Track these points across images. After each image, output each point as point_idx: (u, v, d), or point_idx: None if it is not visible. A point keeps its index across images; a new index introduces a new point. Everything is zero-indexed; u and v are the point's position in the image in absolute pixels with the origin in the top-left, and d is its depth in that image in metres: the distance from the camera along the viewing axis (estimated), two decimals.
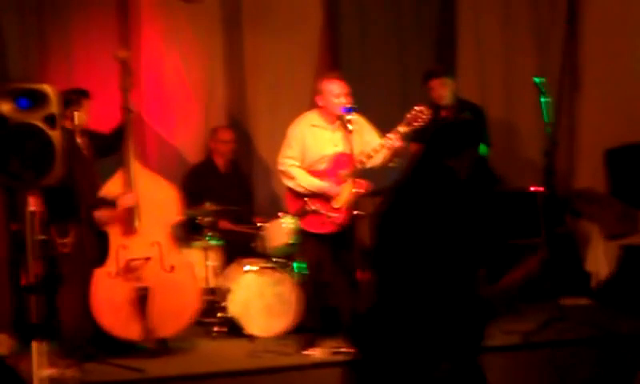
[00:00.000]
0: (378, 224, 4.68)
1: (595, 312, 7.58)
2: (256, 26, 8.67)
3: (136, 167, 6.84)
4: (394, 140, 6.66)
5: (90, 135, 7.01)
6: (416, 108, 6.69)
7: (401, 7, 9.03)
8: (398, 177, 4.99)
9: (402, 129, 6.68)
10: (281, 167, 6.91)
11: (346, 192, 6.72)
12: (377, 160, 6.79)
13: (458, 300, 4.50)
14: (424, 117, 6.66)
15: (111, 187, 6.83)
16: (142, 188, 6.79)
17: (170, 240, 6.91)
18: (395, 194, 4.71)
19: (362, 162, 6.67)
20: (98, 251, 6.76)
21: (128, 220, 6.75)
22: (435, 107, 7.15)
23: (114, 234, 6.76)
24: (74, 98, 6.87)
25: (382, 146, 6.71)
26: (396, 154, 6.77)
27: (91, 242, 6.72)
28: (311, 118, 6.96)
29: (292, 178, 6.83)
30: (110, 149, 7.06)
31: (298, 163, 6.86)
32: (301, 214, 6.83)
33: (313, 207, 6.78)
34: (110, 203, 6.76)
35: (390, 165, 6.85)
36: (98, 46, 8.18)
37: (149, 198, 6.80)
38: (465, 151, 4.67)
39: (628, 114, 8.62)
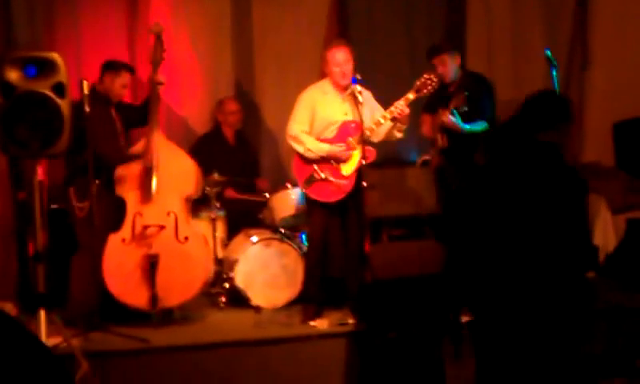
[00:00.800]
0: (474, 200, 4.71)
1: (602, 285, 7.57)
2: None
3: (159, 138, 6.88)
4: (400, 106, 6.65)
5: (121, 106, 7.08)
6: (425, 75, 6.69)
7: None
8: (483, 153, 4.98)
9: (411, 96, 6.67)
10: (290, 132, 6.87)
11: (355, 158, 6.72)
12: (383, 130, 6.78)
13: (565, 282, 4.53)
14: (433, 84, 6.67)
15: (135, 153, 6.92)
16: (163, 158, 6.83)
17: (186, 211, 6.94)
18: (489, 171, 4.75)
19: (371, 130, 6.67)
20: (115, 217, 6.80)
21: (145, 185, 6.77)
22: (441, 83, 7.13)
23: (131, 201, 6.80)
24: (115, 65, 7.02)
25: (391, 112, 6.68)
26: (402, 121, 6.76)
27: (107, 208, 6.74)
28: (322, 85, 6.96)
29: (301, 142, 6.80)
30: (139, 121, 7.08)
31: (307, 129, 6.84)
32: (309, 180, 6.80)
33: (322, 174, 6.76)
34: (134, 157, 6.82)
35: (396, 135, 6.86)
36: (106, 16, 8.18)
37: (168, 169, 6.84)
38: (561, 125, 4.66)
39: (637, 88, 8.59)
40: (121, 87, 6.99)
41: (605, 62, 8.80)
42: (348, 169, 6.75)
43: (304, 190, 6.89)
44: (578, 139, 8.81)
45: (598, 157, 8.74)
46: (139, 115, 7.06)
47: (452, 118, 7.08)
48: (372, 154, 6.68)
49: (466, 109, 7.08)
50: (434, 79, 6.68)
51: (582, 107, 8.85)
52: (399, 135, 6.89)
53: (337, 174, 6.75)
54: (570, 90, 8.67)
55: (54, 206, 7.17)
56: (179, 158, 7.00)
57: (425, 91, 6.69)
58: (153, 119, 6.89)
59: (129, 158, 6.84)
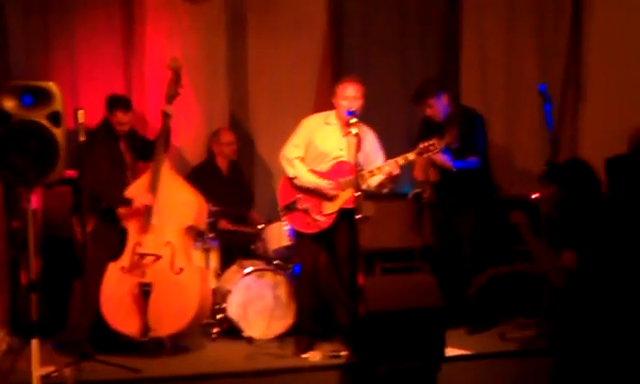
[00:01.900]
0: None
1: None
2: (260, 28, 8.65)
3: (165, 168, 6.95)
4: (395, 165, 6.66)
5: (135, 139, 7.17)
6: (428, 142, 6.68)
7: (405, 12, 9.01)
8: None
9: (411, 156, 6.70)
10: (285, 153, 6.91)
11: (341, 199, 6.73)
12: (373, 182, 6.79)
13: None
14: (436, 150, 6.69)
15: (137, 187, 6.96)
16: (166, 188, 6.89)
17: (184, 242, 6.96)
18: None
19: (363, 178, 6.63)
20: (117, 246, 6.84)
21: (144, 217, 6.81)
22: (431, 123, 7.17)
23: (132, 230, 6.85)
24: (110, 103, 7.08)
25: (380, 168, 6.71)
26: (393, 180, 6.80)
27: (109, 236, 6.82)
28: (327, 115, 6.99)
29: (293, 167, 6.84)
30: (152, 153, 7.09)
31: (301, 154, 6.87)
32: (290, 207, 6.82)
33: (303, 205, 6.77)
34: (127, 202, 6.83)
35: (384, 190, 6.90)
36: (102, 46, 8.21)
37: (169, 200, 6.90)
38: None
39: (630, 123, 8.60)
40: (117, 124, 7.02)
41: (598, 96, 8.81)
42: (330, 207, 6.77)
43: (282, 215, 6.92)
44: None
45: None
46: (152, 149, 7.09)
47: (443, 157, 7.09)
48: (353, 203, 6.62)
49: (457, 145, 7.10)
50: (437, 145, 6.68)
51: (575, 142, 8.85)
52: (386, 190, 6.93)
53: (318, 209, 6.77)
54: (563, 125, 8.67)
55: (58, 234, 7.23)
56: (182, 189, 7.05)
57: (426, 155, 6.72)
58: (160, 150, 6.96)
59: (122, 203, 6.85)
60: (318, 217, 6.75)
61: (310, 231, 6.80)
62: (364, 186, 6.67)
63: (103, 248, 6.78)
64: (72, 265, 6.95)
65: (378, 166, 6.75)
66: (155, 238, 6.83)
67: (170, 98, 7.08)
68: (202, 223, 7.23)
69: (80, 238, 6.81)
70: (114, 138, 7.03)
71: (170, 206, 6.88)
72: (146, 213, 6.81)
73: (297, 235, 6.98)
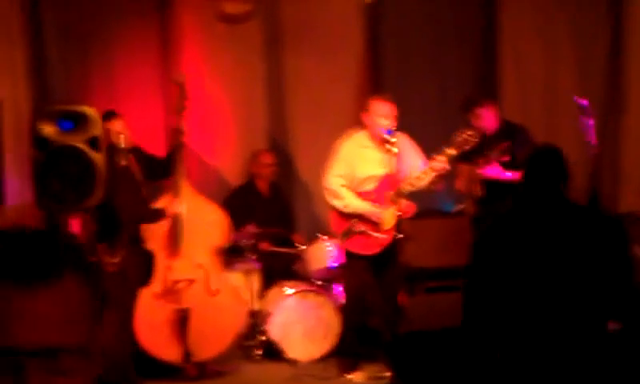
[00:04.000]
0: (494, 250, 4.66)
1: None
2: (297, 47, 8.64)
3: (185, 188, 6.87)
4: (441, 162, 6.61)
5: (144, 158, 7.06)
6: (467, 132, 6.65)
7: (441, 29, 8.95)
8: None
9: (450, 151, 6.62)
10: (328, 186, 6.86)
11: (391, 214, 6.67)
12: (423, 183, 6.73)
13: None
14: (474, 140, 6.63)
15: (162, 203, 6.90)
16: (190, 210, 6.82)
17: (216, 263, 6.93)
18: (510, 220, 4.75)
19: (410, 185, 6.64)
20: (144, 271, 6.80)
21: (173, 238, 6.77)
22: (481, 134, 7.10)
23: (160, 255, 6.79)
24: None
25: (432, 168, 6.65)
26: (441, 176, 6.73)
27: (136, 262, 6.73)
28: (359, 137, 6.94)
29: (339, 197, 6.80)
30: (163, 173, 7.05)
31: (345, 182, 6.83)
32: (347, 233, 6.78)
33: (361, 228, 6.73)
34: (160, 214, 6.79)
35: (434, 187, 6.82)
36: (140, 68, 8.23)
37: (196, 221, 6.84)
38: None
39: None
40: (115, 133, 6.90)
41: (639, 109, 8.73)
42: (386, 224, 6.70)
43: (342, 243, 6.87)
44: (613, 188, 8.72)
45: (636, 205, 8.62)
46: (163, 167, 7.03)
47: (494, 170, 7.03)
48: (411, 208, 6.64)
49: (506, 159, 7.03)
50: (474, 136, 6.63)
51: (617, 154, 8.76)
52: (437, 187, 6.87)
53: (375, 228, 6.72)
54: (605, 136, 8.57)
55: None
56: (207, 208, 7.02)
57: (466, 148, 6.65)
58: (178, 169, 6.87)
59: (153, 214, 6.81)
60: (378, 234, 6.70)
61: (373, 252, 6.75)
62: (414, 189, 6.70)
63: (134, 275, 6.71)
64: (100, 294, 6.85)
65: (424, 170, 6.70)
66: (186, 261, 6.79)
67: (179, 114, 6.96)
68: (228, 240, 7.17)
69: (108, 266, 6.72)
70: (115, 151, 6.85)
71: (197, 226, 6.83)
72: (174, 233, 6.76)
73: (347, 256, 6.93)
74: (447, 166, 6.63)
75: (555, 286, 4.46)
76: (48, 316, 2.60)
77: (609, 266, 4.47)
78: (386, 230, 6.70)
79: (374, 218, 6.71)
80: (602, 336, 4.54)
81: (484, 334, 4.73)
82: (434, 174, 6.66)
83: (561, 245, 4.50)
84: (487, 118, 7.26)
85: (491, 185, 7.17)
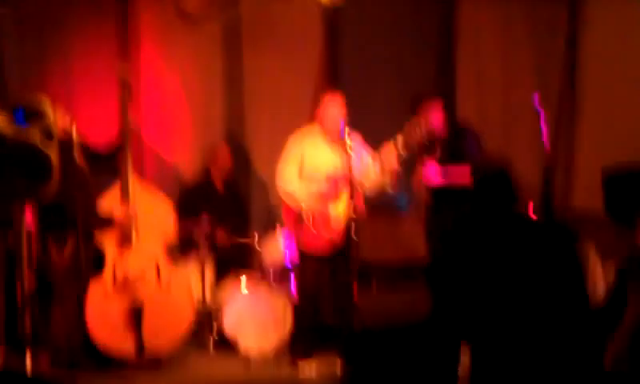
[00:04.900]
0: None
1: None
2: (256, 43, 8.64)
3: (133, 182, 6.83)
4: (390, 159, 6.69)
5: (88, 151, 6.95)
6: (412, 123, 6.74)
7: (400, 28, 8.95)
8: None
9: (397, 142, 6.71)
10: (279, 182, 6.95)
11: (342, 207, 6.74)
12: (373, 180, 6.82)
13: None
14: (419, 132, 6.73)
15: (109, 201, 6.83)
16: (140, 203, 6.79)
17: (167, 256, 6.92)
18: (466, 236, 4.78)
19: (363, 180, 6.71)
20: (94, 265, 6.75)
21: (124, 234, 6.74)
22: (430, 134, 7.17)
23: (111, 248, 6.76)
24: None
25: (380, 158, 6.75)
26: (392, 174, 6.82)
27: (87, 256, 6.69)
28: (312, 132, 7.02)
29: (290, 187, 6.88)
30: (108, 165, 7.02)
31: (296, 176, 6.89)
32: (298, 222, 6.83)
33: (309, 216, 6.79)
34: (108, 221, 6.76)
35: (387, 188, 6.91)
36: (98, 63, 8.18)
37: (146, 213, 6.81)
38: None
39: (629, 136, 8.58)
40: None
41: (594, 110, 8.80)
42: (336, 215, 6.78)
43: (294, 233, 6.93)
44: (566, 186, 8.81)
45: (588, 203, 8.71)
46: (108, 158, 6.98)
47: (430, 172, 7.09)
48: (360, 208, 6.67)
49: (445, 160, 7.10)
50: (421, 127, 6.70)
51: (571, 155, 8.84)
52: (389, 189, 6.95)
53: (324, 217, 6.79)
54: (559, 137, 8.66)
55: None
56: (156, 201, 7.00)
57: (412, 138, 6.71)
58: (125, 164, 6.81)
59: (101, 222, 6.77)
60: (325, 228, 6.77)
61: (324, 251, 6.81)
62: (367, 187, 6.79)
63: (81, 268, 6.64)
64: (45, 286, 6.80)
65: (373, 163, 6.80)
66: (138, 254, 6.77)
67: (124, 107, 6.89)
68: (177, 234, 7.18)
69: (58, 260, 6.66)
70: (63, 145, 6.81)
71: (148, 220, 6.81)
72: (126, 229, 6.74)
73: (301, 256, 6.98)
74: (394, 164, 6.72)
75: (510, 300, 4.55)
76: None
77: (561, 280, 4.57)
78: (335, 225, 6.77)
79: (323, 207, 6.78)
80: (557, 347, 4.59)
81: (454, 329, 4.78)
82: (381, 167, 6.74)
83: (513, 260, 4.59)
84: (435, 116, 7.30)
85: (441, 189, 7.24)
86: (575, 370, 4.60)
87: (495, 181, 4.77)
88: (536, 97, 7.15)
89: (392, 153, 6.69)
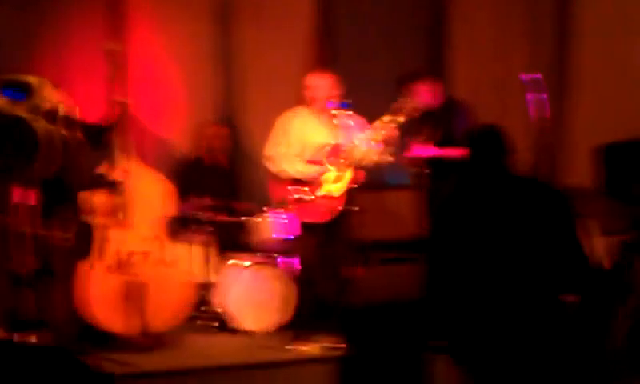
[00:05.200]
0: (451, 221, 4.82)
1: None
2: (246, 18, 8.60)
3: (132, 160, 6.78)
4: (386, 129, 6.69)
5: (80, 126, 6.82)
6: (402, 100, 6.77)
7: (393, 2, 9.00)
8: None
9: (387, 118, 6.72)
10: (264, 151, 6.97)
11: (333, 176, 6.75)
12: (370, 155, 6.80)
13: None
14: (408, 108, 6.75)
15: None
16: (138, 181, 6.74)
17: (166, 234, 6.89)
18: (462, 198, 4.90)
19: (356, 153, 6.70)
20: (90, 244, 6.67)
21: (124, 211, 6.68)
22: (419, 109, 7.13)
23: (109, 227, 6.67)
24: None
25: (371, 132, 6.75)
26: (389, 145, 6.79)
27: (84, 236, 6.63)
28: (301, 111, 7.01)
29: (274, 162, 6.88)
30: (100, 141, 6.89)
31: (284, 149, 6.88)
32: (282, 203, 6.85)
33: (298, 195, 6.76)
34: (107, 183, 6.67)
35: (388, 158, 6.87)
36: (87, 37, 8.06)
37: (144, 192, 6.76)
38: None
39: (621, 111, 8.60)
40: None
41: (588, 85, 8.82)
42: (338, 189, 6.75)
43: (280, 211, 6.99)
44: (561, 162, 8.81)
45: (583, 179, 8.69)
46: (99, 136, 6.87)
47: (427, 149, 7.09)
48: (360, 175, 6.64)
49: (436, 138, 7.08)
50: (410, 104, 6.75)
51: (565, 131, 8.85)
52: (390, 158, 6.90)
53: (315, 190, 6.79)
54: (556, 111, 8.64)
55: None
56: (154, 179, 6.95)
57: (401, 115, 6.73)
58: (120, 141, 6.75)
59: (94, 181, 6.69)
60: (317, 197, 6.75)
61: (322, 219, 6.78)
62: (367, 162, 6.79)
63: (84, 247, 6.60)
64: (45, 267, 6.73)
65: (365, 135, 6.78)
66: (137, 233, 6.71)
67: (112, 83, 6.83)
68: (176, 211, 7.14)
69: (61, 241, 6.58)
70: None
71: (146, 197, 6.76)
72: (125, 205, 6.66)
73: (302, 228, 6.93)
74: (393, 132, 6.73)
75: (507, 257, 4.61)
76: None
77: (557, 236, 4.64)
78: (337, 197, 6.74)
79: (312, 179, 6.77)
80: (555, 307, 4.65)
81: (445, 304, 4.83)
82: (375, 143, 6.73)
83: (511, 216, 4.67)
84: (422, 94, 7.27)
85: (435, 162, 7.21)
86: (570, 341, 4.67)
87: (485, 136, 4.92)
88: (537, 75, 7.15)
89: (379, 126, 6.71)
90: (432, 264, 4.90)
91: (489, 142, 4.85)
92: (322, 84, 6.86)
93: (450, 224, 4.82)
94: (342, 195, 6.73)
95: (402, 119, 6.71)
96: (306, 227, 6.84)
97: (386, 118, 6.70)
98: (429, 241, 4.99)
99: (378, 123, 6.73)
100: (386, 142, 6.74)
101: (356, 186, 6.63)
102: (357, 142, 6.73)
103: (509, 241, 4.62)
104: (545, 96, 7.11)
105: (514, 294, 4.57)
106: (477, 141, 4.92)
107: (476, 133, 5.05)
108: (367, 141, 6.73)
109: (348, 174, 6.71)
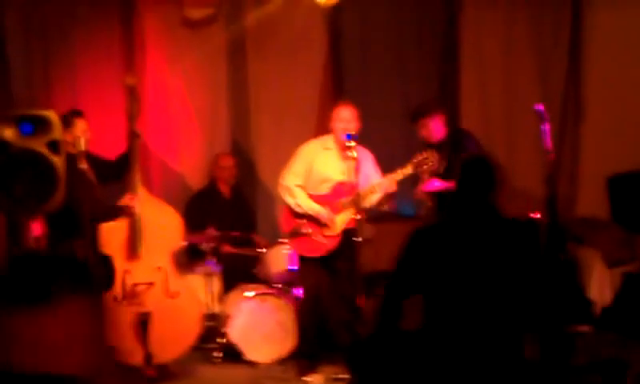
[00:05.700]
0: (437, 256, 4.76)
1: (597, 339, 7.54)
2: (260, 51, 8.69)
3: (141, 192, 6.84)
4: (391, 183, 6.74)
5: (95, 161, 7.01)
6: (423, 154, 6.73)
7: (403, 33, 8.97)
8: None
9: (407, 170, 6.74)
10: (283, 182, 6.97)
11: (341, 221, 6.78)
12: (373, 200, 6.85)
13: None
14: (430, 162, 6.72)
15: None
16: (147, 213, 6.79)
17: (174, 265, 6.92)
18: (444, 231, 4.85)
19: (361, 196, 6.61)
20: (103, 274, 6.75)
21: (131, 242, 6.75)
22: (427, 144, 7.16)
23: (118, 259, 6.75)
24: (66, 119, 6.88)
25: (378, 185, 6.78)
26: (390, 197, 6.88)
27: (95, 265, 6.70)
28: (325, 141, 7.04)
29: (292, 195, 6.90)
30: (114, 175, 7.05)
31: (300, 182, 6.92)
32: (293, 234, 6.89)
33: (308, 230, 6.82)
34: (116, 212, 6.76)
35: (384, 208, 6.98)
36: (103, 72, 8.23)
37: (153, 224, 6.81)
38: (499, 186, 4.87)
39: (631, 141, 8.58)
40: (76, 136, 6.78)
41: (598, 115, 8.79)
42: (333, 230, 6.82)
43: (288, 242, 7.04)
44: (571, 193, 8.80)
45: (593, 210, 8.71)
46: (114, 170, 7.04)
47: (432, 184, 7.10)
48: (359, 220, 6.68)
49: (443, 168, 7.10)
50: (432, 157, 6.71)
51: (575, 161, 8.83)
52: (385, 208, 7.00)
53: (322, 230, 6.83)
54: (562, 143, 8.65)
55: None
56: (162, 211, 6.99)
57: (424, 168, 6.74)
58: (134, 174, 6.82)
59: (109, 212, 6.76)
60: (320, 238, 6.78)
61: (316, 255, 6.84)
62: (365, 205, 6.72)
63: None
64: None
65: (375, 183, 6.80)
66: (145, 264, 6.77)
67: (132, 117, 6.87)
68: (184, 243, 7.25)
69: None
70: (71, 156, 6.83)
71: (154, 229, 6.81)
72: (133, 236, 6.74)
73: (301, 259, 7.02)
74: (394, 187, 6.75)
75: (471, 291, 4.63)
76: (48, 341, 2.56)
77: (522, 276, 4.64)
78: (332, 236, 6.81)
79: (323, 221, 6.81)
80: (518, 345, 4.69)
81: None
82: (382, 192, 6.78)
83: (479, 253, 4.67)
84: (434, 129, 7.26)
85: (440, 195, 7.24)
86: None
87: (474, 166, 4.88)
88: (539, 105, 7.15)
89: (397, 177, 6.74)
90: (391, 289, 4.97)
91: (475, 174, 4.83)
92: (351, 115, 6.87)
93: (417, 252, 4.81)
94: (339, 233, 6.79)
95: (410, 172, 6.74)
96: (308, 258, 6.91)
97: (407, 170, 6.72)
98: (396, 264, 4.95)
99: (397, 174, 6.75)
100: (387, 194, 6.82)
101: (361, 217, 6.64)
102: (365, 182, 6.75)
103: (466, 277, 4.62)
104: (548, 125, 7.12)
105: (475, 323, 4.61)
106: (464, 171, 4.89)
107: (465, 163, 4.99)
108: (381, 187, 6.78)
109: (347, 213, 6.73)
